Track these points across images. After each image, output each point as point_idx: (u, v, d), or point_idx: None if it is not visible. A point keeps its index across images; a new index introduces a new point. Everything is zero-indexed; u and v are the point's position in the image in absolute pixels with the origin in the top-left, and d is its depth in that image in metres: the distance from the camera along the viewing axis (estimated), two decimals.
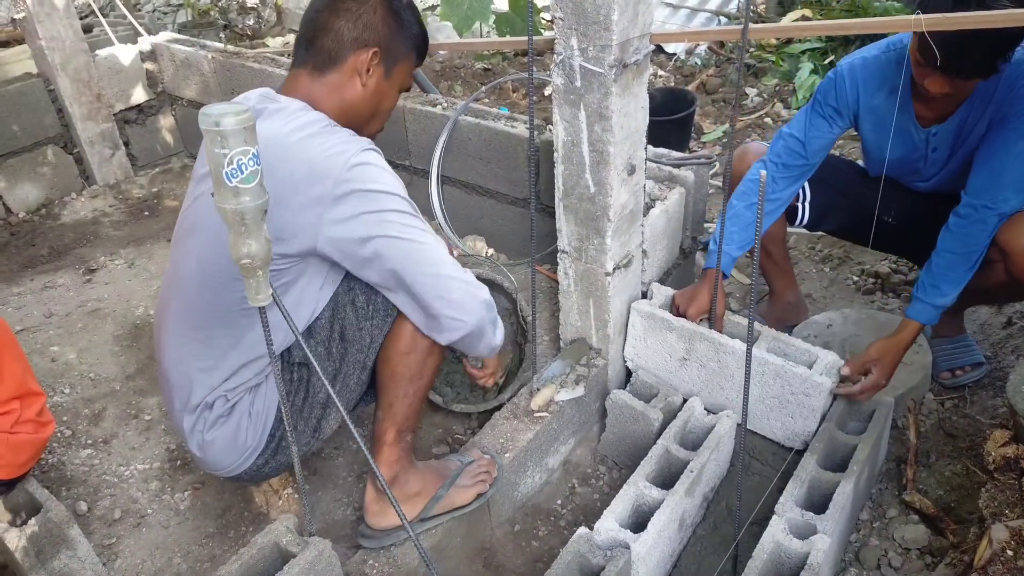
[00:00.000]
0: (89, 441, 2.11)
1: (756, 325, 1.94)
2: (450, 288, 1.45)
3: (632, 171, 1.87)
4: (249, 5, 6.65)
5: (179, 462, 2.03)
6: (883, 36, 1.98)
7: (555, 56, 1.73)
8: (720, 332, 1.99)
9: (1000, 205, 1.76)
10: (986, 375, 2.19)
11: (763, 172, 1.31)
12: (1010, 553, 1.35)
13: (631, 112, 1.78)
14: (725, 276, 2.05)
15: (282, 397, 1.28)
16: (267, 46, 5.24)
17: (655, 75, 4.29)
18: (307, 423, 1.58)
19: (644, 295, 2.18)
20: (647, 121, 1.86)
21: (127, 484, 1.98)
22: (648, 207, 2.17)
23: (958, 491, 1.83)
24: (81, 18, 3.37)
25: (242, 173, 1.06)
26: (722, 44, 4.53)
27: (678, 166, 2.32)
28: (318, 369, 1.21)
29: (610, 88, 1.67)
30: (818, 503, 1.71)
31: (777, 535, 1.61)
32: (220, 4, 6.52)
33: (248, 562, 1.40)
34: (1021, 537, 1.36)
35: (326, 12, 1.51)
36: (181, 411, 1.56)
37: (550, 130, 2.46)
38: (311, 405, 1.56)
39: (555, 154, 1.86)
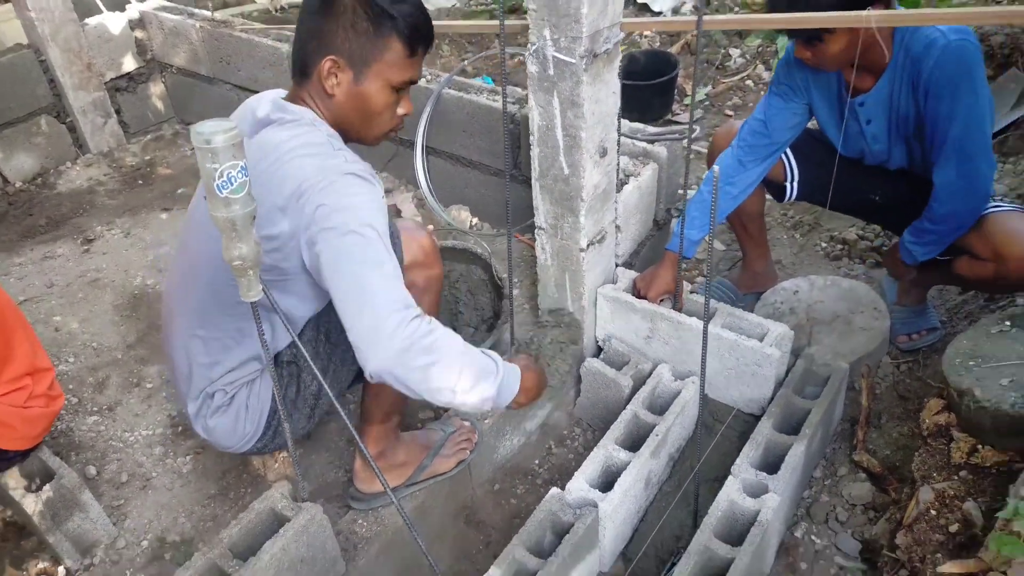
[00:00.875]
0: (95, 408, 2.24)
1: (712, 302, 2.07)
2: (362, 310, 1.32)
3: (604, 153, 1.97)
4: None
5: (180, 428, 2.17)
6: None
7: (529, 45, 1.81)
8: (680, 311, 2.11)
9: (974, 164, 1.85)
10: (940, 339, 2.32)
11: (716, 168, 1.42)
12: (934, 513, 1.50)
13: (602, 98, 1.87)
14: (687, 258, 2.16)
15: (279, 397, 1.41)
16: (254, 2, 5.25)
17: (640, 36, 4.32)
18: (300, 412, 1.71)
19: (618, 265, 2.29)
20: (619, 104, 1.95)
21: (132, 449, 2.12)
22: (622, 183, 2.28)
23: (903, 451, 1.98)
24: None
25: (232, 184, 1.16)
26: (708, 2, 4.55)
27: (652, 141, 2.41)
28: (311, 362, 1.32)
29: (581, 77, 1.76)
30: (772, 463, 1.86)
31: (732, 494, 1.76)
32: None
33: (247, 526, 1.55)
34: (944, 499, 1.51)
35: (301, 22, 1.53)
36: (186, 396, 1.70)
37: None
38: (303, 397, 1.69)
39: (531, 137, 1.96)
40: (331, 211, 1.37)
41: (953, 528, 1.48)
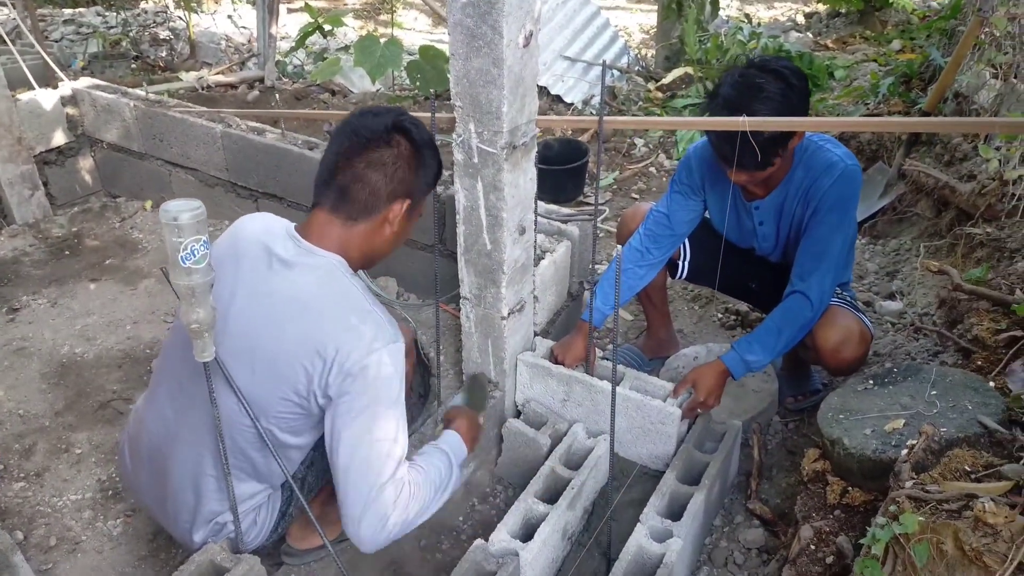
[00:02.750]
0: (22, 475, 2.26)
1: (620, 367, 2.29)
2: (356, 503, 1.54)
3: (523, 231, 2.18)
4: (162, 37, 6.73)
5: (110, 492, 2.21)
6: None
7: (455, 136, 2.03)
8: (592, 375, 2.32)
9: (810, 289, 2.12)
10: (823, 400, 2.59)
11: (619, 249, 1.66)
12: (813, 548, 1.71)
13: (520, 184, 2.10)
14: (598, 327, 2.38)
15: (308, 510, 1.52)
16: (180, 80, 5.38)
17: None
18: (300, 508, 1.85)
19: (536, 334, 2.49)
20: (535, 189, 2.19)
21: (61, 514, 2.15)
22: (539, 258, 2.50)
23: (791, 499, 2.19)
24: None
25: (194, 256, 1.31)
26: (614, 96, 4.95)
27: (565, 221, 2.65)
28: (302, 499, 1.58)
29: (502, 165, 1.99)
30: (676, 512, 2.04)
31: (640, 539, 1.94)
32: (131, 35, 6.58)
33: None
34: (822, 535, 1.73)
35: (360, 163, 1.60)
36: (189, 525, 1.74)
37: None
38: (306, 495, 1.83)
39: (457, 216, 2.16)
40: (361, 396, 1.52)
41: (829, 560, 1.69)
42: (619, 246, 1.77)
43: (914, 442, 1.60)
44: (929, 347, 2.59)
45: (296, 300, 1.56)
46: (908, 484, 1.47)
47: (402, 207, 1.65)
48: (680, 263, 2.58)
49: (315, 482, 1.86)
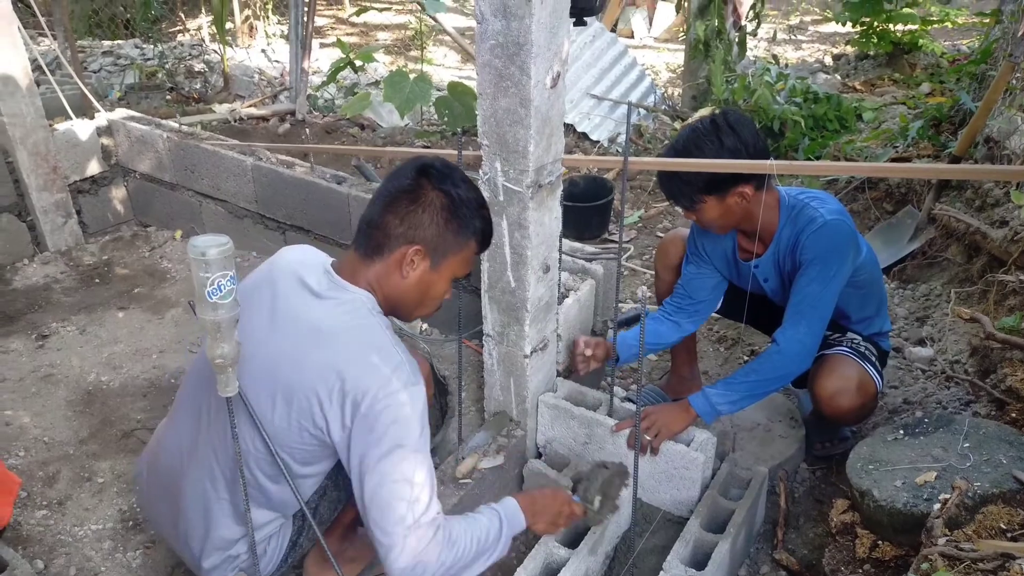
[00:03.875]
0: (44, 503, 2.27)
1: (642, 409, 2.26)
2: (392, 541, 1.51)
3: (547, 269, 2.18)
4: (196, 70, 6.88)
5: (131, 523, 2.21)
6: None
7: (482, 173, 2.04)
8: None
9: (785, 339, 2.13)
10: (851, 447, 2.54)
11: (643, 289, 1.65)
12: None
13: (546, 222, 2.10)
14: (618, 361, 2.38)
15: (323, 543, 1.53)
16: (214, 112, 5.48)
17: None
18: (312, 540, 1.84)
19: (559, 373, 2.47)
20: (560, 227, 2.19)
21: (81, 544, 2.15)
22: (563, 296, 2.49)
23: (819, 550, 2.14)
24: None
25: (221, 292, 1.32)
26: (640, 134, 4.97)
27: (590, 260, 2.65)
28: (317, 529, 1.55)
29: (527, 204, 1.99)
30: (701, 560, 2.00)
31: None
32: (167, 67, 6.73)
33: None
34: None
35: (381, 205, 1.62)
36: (198, 552, 1.73)
37: None
38: (319, 526, 1.79)
39: (482, 254, 2.16)
40: (380, 436, 1.50)
41: None
42: (642, 287, 1.77)
43: (947, 496, 1.56)
44: (961, 396, 2.53)
45: (319, 331, 1.55)
46: (941, 541, 1.43)
47: (411, 252, 1.60)
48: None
49: (327, 513, 1.85)
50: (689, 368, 2.77)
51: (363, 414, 1.50)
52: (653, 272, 2.68)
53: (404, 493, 1.51)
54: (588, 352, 2.36)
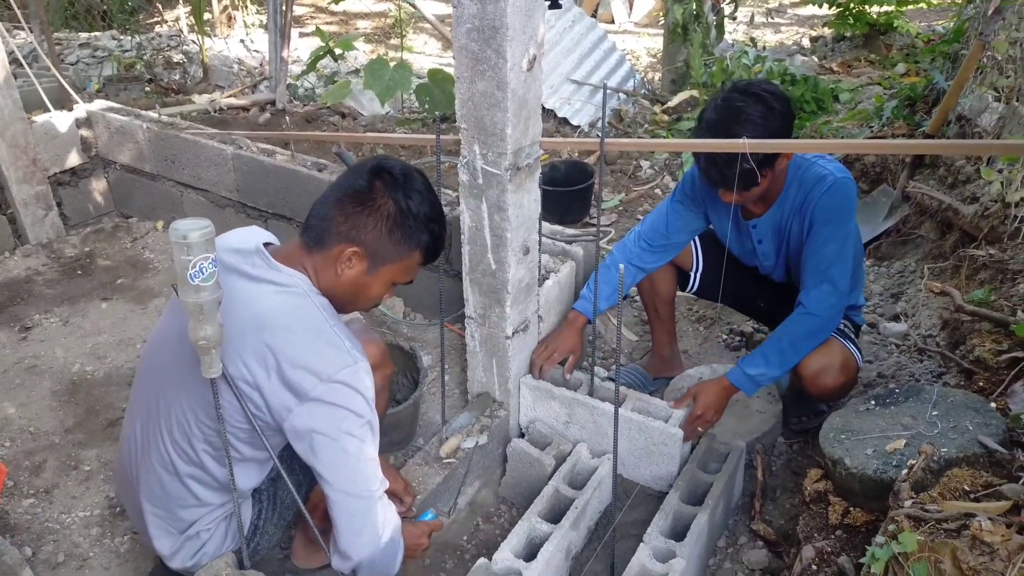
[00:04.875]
0: (31, 491, 2.29)
1: (622, 389, 2.30)
2: (352, 522, 1.57)
3: (527, 251, 2.21)
4: (175, 60, 6.84)
5: (118, 509, 2.23)
6: None
7: (461, 158, 2.07)
8: (570, 373, 2.39)
9: (811, 301, 2.16)
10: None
11: (621, 267, 1.69)
12: (814, 568, 1.71)
13: (525, 204, 2.13)
14: (590, 321, 2.41)
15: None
16: (193, 102, 5.46)
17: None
18: (277, 525, 1.85)
19: None
20: (539, 209, 2.22)
21: (69, 531, 2.17)
22: (543, 278, 2.52)
23: (796, 520, 2.19)
24: None
25: (203, 274, 1.35)
26: (620, 119, 5.00)
27: (570, 242, 2.68)
28: (294, 491, 1.56)
29: (506, 186, 2.02)
30: (680, 532, 2.05)
31: (643, 559, 1.94)
32: (145, 58, 6.68)
33: None
34: (823, 555, 1.73)
35: (332, 199, 1.61)
36: (159, 536, 1.75)
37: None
38: (279, 511, 1.83)
39: (462, 236, 2.19)
40: (328, 416, 1.52)
41: None
42: (620, 265, 1.81)
43: (914, 462, 1.61)
44: (933, 368, 2.59)
45: (256, 315, 1.53)
46: (907, 504, 1.48)
47: (348, 252, 1.58)
48: (692, 275, 2.61)
49: (287, 496, 1.84)
50: (671, 348, 2.81)
51: (306, 394, 1.50)
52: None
53: (360, 470, 1.55)
54: (558, 352, 2.39)
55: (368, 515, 1.58)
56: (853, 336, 2.35)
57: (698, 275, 2.61)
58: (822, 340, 2.20)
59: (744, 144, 1.85)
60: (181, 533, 1.76)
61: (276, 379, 1.51)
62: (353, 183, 1.62)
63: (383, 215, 1.59)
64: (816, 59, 6.32)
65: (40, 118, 3.49)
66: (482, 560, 1.93)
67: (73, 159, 3.64)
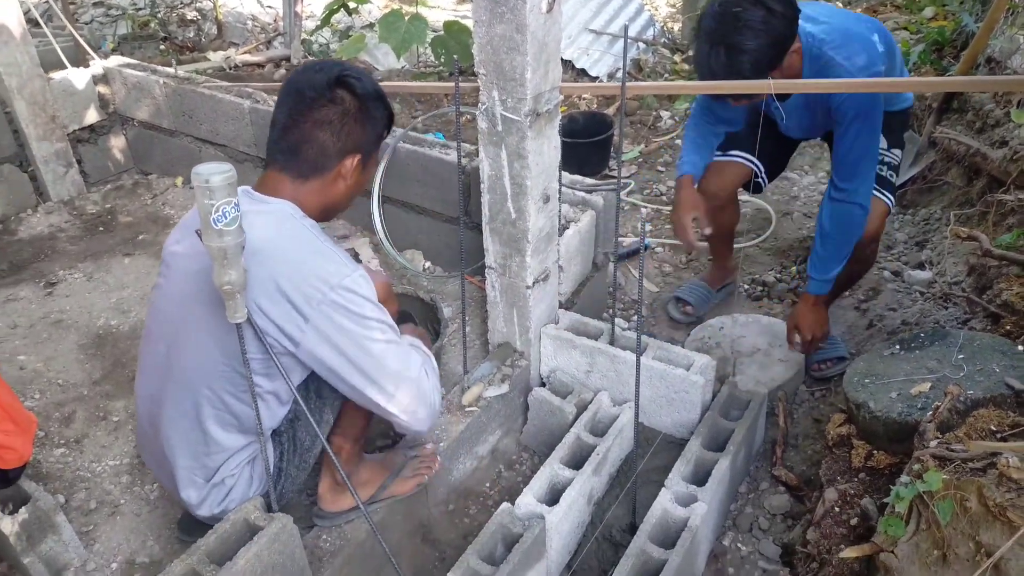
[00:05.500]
0: (62, 441, 2.33)
1: (643, 337, 2.30)
2: (401, 403, 1.67)
3: (547, 200, 2.19)
4: (189, 18, 6.78)
5: None
6: None
7: (479, 104, 2.04)
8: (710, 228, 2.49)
9: (852, 191, 2.22)
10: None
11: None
12: (837, 510, 1.72)
13: (544, 151, 2.10)
14: (696, 179, 2.51)
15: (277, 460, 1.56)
16: (208, 60, 5.43)
17: (579, 99, 4.64)
18: (300, 467, 1.86)
19: (561, 304, 2.51)
20: (559, 157, 2.19)
21: (100, 478, 2.22)
22: (564, 228, 2.51)
23: (817, 466, 2.20)
24: None
25: (226, 219, 1.34)
26: (639, 68, 4.92)
27: (590, 191, 2.66)
28: (316, 426, 1.59)
29: (526, 133, 2.00)
30: (701, 478, 2.06)
31: (665, 503, 1.96)
32: (159, 16, 6.64)
33: (222, 535, 1.67)
34: (846, 497, 1.73)
35: (307, 123, 1.62)
36: (186, 487, 1.77)
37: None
38: (300, 452, 1.84)
39: (482, 185, 2.18)
40: (342, 323, 1.56)
41: (854, 522, 1.70)
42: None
43: (939, 404, 1.59)
44: (958, 315, 2.57)
45: (250, 245, 1.50)
46: (933, 443, 1.47)
47: (353, 162, 1.68)
48: (759, 180, 2.67)
49: (308, 438, 1.85)
50: (730, 258, 2.94)
51: (313, 309, 1.54)
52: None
53: (389, 355, 1.62)
54: (702, 212, 2.44)
55: (417, 395, 1.68)
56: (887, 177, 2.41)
57: (763, 175, 2.68)
58: (865, 223, 2.29)
59: (769, 85, 1.82)
60: (207, 482, 1.78)
61: (282, 302, 1.54)
62: (317, 99, 1.63)
63: (356, 112, 1.65)
64: (840, 4, 6.16)
65: (57, 75, 3.49)
66: (505, 505, 1.95)
67: (91, 116, 3.64)
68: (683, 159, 2.54)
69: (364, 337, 1.59)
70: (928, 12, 4.93)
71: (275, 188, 1.65)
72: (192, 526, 1.98)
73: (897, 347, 1.99)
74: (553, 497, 2.02)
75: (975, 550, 1.30)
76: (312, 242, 1.60)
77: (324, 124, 1.62)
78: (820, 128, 2.44)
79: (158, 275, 1.80)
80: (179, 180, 3.75)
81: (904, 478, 1.47)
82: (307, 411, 1.57)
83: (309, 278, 1.54)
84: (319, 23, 5.73)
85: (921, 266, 2.98)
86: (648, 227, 3.38)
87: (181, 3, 7.06)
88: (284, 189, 1.65)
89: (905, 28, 4.71)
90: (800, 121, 2.40)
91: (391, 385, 1.64)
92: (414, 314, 2.74)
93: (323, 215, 1.72)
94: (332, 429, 1.89)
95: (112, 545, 2.03)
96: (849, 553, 1.58)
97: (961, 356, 1.82)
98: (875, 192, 2.32)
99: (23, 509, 1.86)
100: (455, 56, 4.26)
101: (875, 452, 1.79)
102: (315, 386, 1.76)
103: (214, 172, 1.31)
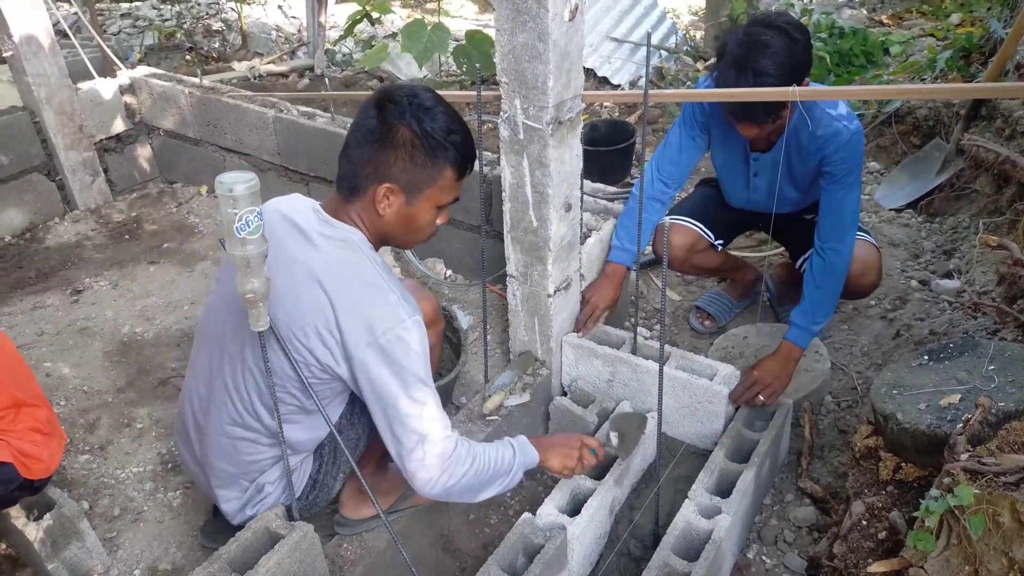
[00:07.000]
0: (86, 448, 2.35)
1: (665, 347, 2.28)
2: (416, 461, 1.60)
3: (569, 208, 2.19)
4: (214, 29, 6.87)
5: (170, 464, 2.28)
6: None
7: (502, 113, 2.04)
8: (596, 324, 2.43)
9: (844, 247, 2.24)
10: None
11: (667, 221, 1.66)
12: (865, 523, 1.69)
13: (566, 160, 2.09)
14: (629, 268, 2.47)
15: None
16: (233, 70, 5.49)
17: (600, 107, 4.63)
18: (337, 478, 1.88)
19: None
20: (581, 165, 2.18)
21: (124, 485, 2.23)
22: (585, 236, 2.49)
23: (843, 478, 2.16)
24: None
25: (249, 227, 1.35)
26: (662, 76, 4.90)
27: (612, 199, 2.65)
28: (348, 455, 1.63)
29: (548, 141, 1.99)
30: (726, 489, 2.03)
31: (688, 515, 1.93)
32: (185, 27, 6.73)
33: (244, 543, 1.67)
34: (874, 511, 1.70)
35: (352, 145, 1.62)
36: (224, 491, 1.80)
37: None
38: (338, 464, 1.86)
39: (503, 193, 2.17)
40: (386, 365, 1.55)
41: (881, 536, 1.67)
42: (666, 220, 1.78)
43: (970, 416, 1.56)
44: (987, 325, 2.52)
45: (313, 270, 1.57)
46: (963, 457, 1.44)
47: (384, 191, 1.59)
48: (715, 245, 2.64)
49: (367, 435, 1.86)
50: (743, 272, 2.91)
51: (368, 345, 1.54)
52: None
53: (422, 413, 1.58)
54: (596, 302, 2.42)
55: (419, 470, 1.61)
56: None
57: (717, 242, 2.64)
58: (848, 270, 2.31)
59: (795, 92, 1.80)
60: (246, 489, 1.80)
61: (336, 331, 1.55)
62: (365, 123, 1.61)
63: (400, 144, 1.58)
64: (865, 11, 6.11)
65: (85, 85, 3.54)
66: (527, 515, 1.93)
67: (118, 125, 3.69)
68: (616, 243, 2.49)
69: (399, 388, 1.56)
70: (955, 18, 4.89)
71: (335, 208, 1.66)
72: (215, 532, 1.98)
73: (925, 358, 1.95)
74: (575, 508, 2.00)
75: (1008, 566, 1.27)
76: (374, 278, 1.59)
77: (362, 147, 1.60)
78: (787, 190, 2.39)
79: (215, 280, 1.82)
80: (204, 189, 3.79)
81: (934, 491, 1.44)
82: (333, 429, 1.59)
83: (361, 316, 1.54)
84: (342, 33, 5.77)
85: (949, 275, 2.94)
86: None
87: (206, 14, 7.15)
88: (340, 208, 1.65)
89: (932, 35, 4.67)
90: (771, 180, 2.37)
91: (409, 441, 1.60)
92: None
93: (377, 242, 1.68)
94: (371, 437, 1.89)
95: (135, 552, 2.05)
96: (877, 568, 1.55)
97: (992, 367, 1.79)
98: (864, 238, 2.38)
99: (48, 515, 1.88)
100: (477, 65, 4.27)
101: (903, 464, 1.76)
102: (356, 402, 1.77)
103: (237, 181, 1.31)
